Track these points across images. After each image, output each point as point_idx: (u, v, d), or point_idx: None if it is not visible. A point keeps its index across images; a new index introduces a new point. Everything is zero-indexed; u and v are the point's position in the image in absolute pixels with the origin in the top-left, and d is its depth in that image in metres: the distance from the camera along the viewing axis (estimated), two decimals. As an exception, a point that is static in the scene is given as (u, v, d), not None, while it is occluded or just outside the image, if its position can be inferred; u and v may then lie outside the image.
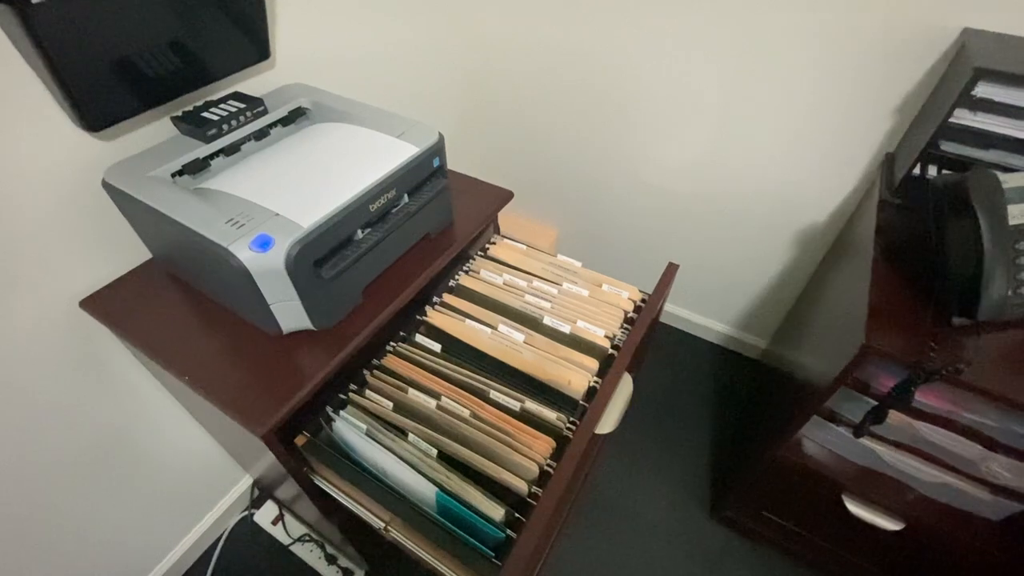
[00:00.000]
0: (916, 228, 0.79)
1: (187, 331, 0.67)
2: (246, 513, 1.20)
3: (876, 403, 0.75)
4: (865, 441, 0.85)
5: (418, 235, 0.77)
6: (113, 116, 0.67)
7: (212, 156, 0.71)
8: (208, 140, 0.70)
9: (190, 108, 0.74)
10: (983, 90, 0.74)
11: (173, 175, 0.67)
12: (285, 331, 0.65)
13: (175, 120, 0.73)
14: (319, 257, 0.60)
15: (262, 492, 1.23)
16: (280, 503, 1.20)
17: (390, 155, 0.68)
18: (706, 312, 1.58)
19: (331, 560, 1.12)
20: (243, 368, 0.63)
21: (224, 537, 1.17)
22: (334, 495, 0.70)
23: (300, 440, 0.67)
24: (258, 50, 0.80)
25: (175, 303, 0.71)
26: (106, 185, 0.65)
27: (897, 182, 0.89)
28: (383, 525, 0.66)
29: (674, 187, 1.31)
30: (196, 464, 1.07)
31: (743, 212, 1.26)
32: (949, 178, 0.70)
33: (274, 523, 1.18)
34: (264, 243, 0.56)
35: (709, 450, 1.35)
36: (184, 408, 0.97)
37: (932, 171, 0.86)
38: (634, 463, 1.32)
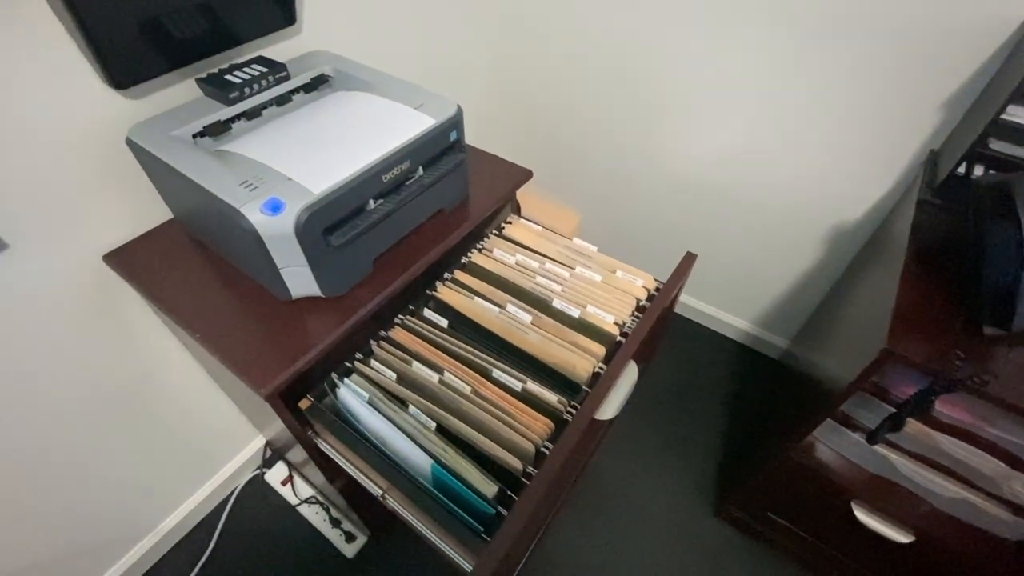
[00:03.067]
0: (955, 230, 0.74)
1: (202, 290, 0.69)
2: (258, 472, 1.24)
3: (894, 410, 0.72)
4: (880, 449, 0.82)
5: (432, 209, 0.77)
6: (139, 75, 0.68)
7: (233, 119, 0.72)
8: (230, 103, 0.71)
9: (215, 70, 0.75)
10: (1043, 86, 0.69)
11: (194, 136, 0.68)
12: (294, 296, 0.65)
13: (199, 82, 0.73)
14: (329, 224, 0.60)
15: (274, 453, 1.27)
16: (290, 465, 1.24)
17: (406, 126, 0.68)
18: (727, 307, 1.54)
19: (335, 523, 1.15)
20: (253, 329, 0.64)
21: (235, 493, 1.21)
22: (335, 459, 0.71)
23: (304, 403, 0.68)
24: (284, 15, 0.80)
25: (192, 262, 0.73)
26: (130, 143, 0.66)
27: (939, 181, 0.84)
28: (381, 492, 0.67)
29: (702, 177, 1.27)
30: (211, 420, 1.10)
31: (773, 206, 1.22)
32: (993, 179, 0.65)
33: (283, 484, 1.22)
34: (275, 207, 0.56)
35: (719, 447, 1.33)
36: (200, 364, 1.00)
37: (979, 171, 0.81)
38: (641, 453, 1.31)
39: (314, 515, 1.17)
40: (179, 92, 0.75)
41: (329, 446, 0.72)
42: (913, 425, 0.75)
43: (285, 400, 0.64)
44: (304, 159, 0.63)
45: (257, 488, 1.23)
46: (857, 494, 0.88)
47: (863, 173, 1.06)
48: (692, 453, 1.31)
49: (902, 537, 0.85)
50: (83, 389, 0.83)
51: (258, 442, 1.25)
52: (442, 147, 0.72)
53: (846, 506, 0.90)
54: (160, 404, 0.98)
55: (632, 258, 1.40)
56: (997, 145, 0.77)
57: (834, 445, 0.90)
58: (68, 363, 0.80)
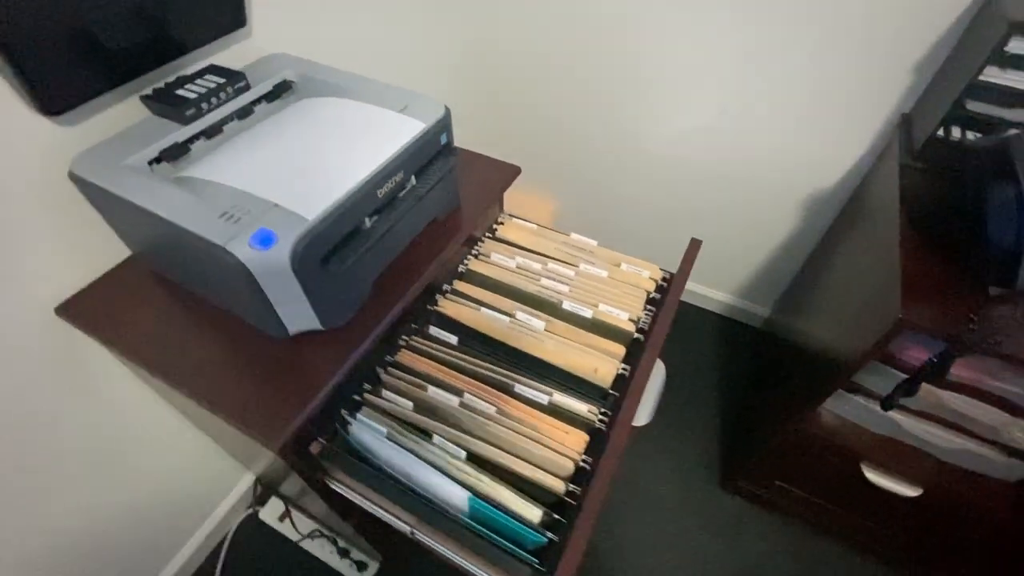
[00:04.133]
0: (944, 194, 0.76)
1: (181, 336, 0.61)
2: (251, 511, 1.16)
3: (907, 376, 0.74)
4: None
5: (426, 219, 0.71)
6: (75, 97, 0.59)
7: (192, 139, 0.64)
8: (186, 121, 0.62)
9: (161, 85, 0.66)
10: (1017, 46, 0.70)
11: (150, 163, 0.60)
12: (292, 333, 0.59)
13: (145, 100, 0.64)
14: (327, 251, 0.54)
15: (265, 489, 1.19)
16: (286, 499, 1.16)
17: (395, 133, 0.62)
18: (707, 281, 1.55)
19: (344, 554, 1.09)
20: (248, 375, 0.58)
21: (229, 536, 1.13)
22: (355, 500, 0.66)
23: (316, 448, 0.62)
24: (233, 17, 0.72)
25: (164, 305, 0.64)
26: (74, 177, 0.57)
27: (919, 145, 0.86)
28: (409, 529, 0.63)
29: (677, 154, 1.26)
30: (193, 465, 1.02)
31: (748, 178, 1.22)
32: (988, 141, 0.66)
33: (281, 519, 1.14)
34: (266, 239, 0.50)
35: (717, 421, 1.35)
36: (176, 409, 0.91)
37: (956, 132, 0.82)
38: (642, 438, 1.31)
39: (319, 548, 1.11)
40: (123, 113, 0.66)
41: (345, 487, 0.66)
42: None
43: (294, 447, 0.58)
44: (288, 180, 0.56)
45: (253, 528, 1.15)
46: (865, 455, 0.91)
47: (836, 140, 1.07)
48: (691, 430, 1.33)
49: (911, 491, 0.89)
50: (49, 447, 0.74)
51: (247, 480, 1.16)
52: (433, 152, 0.66)
53: (855, 468, 0.92)
54: (136, 455, 0.88)
55: (612, 240, 1.39)
56: (973, 106, 0.79)
57: (840, 411, 0.92)
58: (28, 424, 0.70)
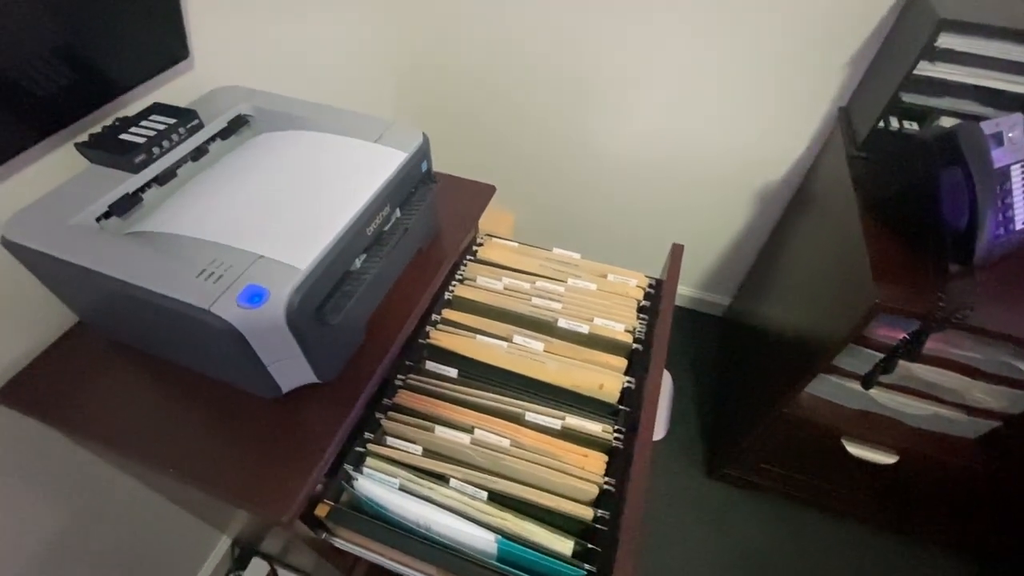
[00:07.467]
0: (895, 180, 0.81)
1: (153, 410, 0.54)
2: (230, 577, 1.07)
3: (883, 355, 0.78)
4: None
5: (413, 252, 0.68)
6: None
7: (142, 188, 0.57)
8: (136, 169, 0.56)
9: (97, 130, 0.59)
10: (945, 41, 0.76)
11: (98, 219, 0.53)
12: (285, 391, 0.54)
13: (82, 148, 0.57)
14: (321, 300, 0.50)
15: (243, 550, 1.10)
16: (268, 558, 1.08)
17: (375, 164, 0.58)
18: (669, 277, 1.60)
19: (341, 607, 1.02)
20: (240, 445, 0.52)
21: (209, 610, 1.03)
22: (368, 558, 0.61)
23: (322, 510, 0.57)
24: (175, 48, 0.66)
25: (127, 376, 0.57)
26: (8, 244, 0.49)
27: (863, 136, 0.92)
28: (431, 581, 0.60)
29: (631, 158, 1.29)
30: (161, 539, 0.92)
31: (702, 176, 1.27)
32: (935, 131, 0.72)
33: (266, 581, 1.06)
34: (255, 296, 0.45)
35: (695, 411, 1.39)
36: (137, 480, 0.82)
37: (893, 123, 0.89)
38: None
39: (313, 605, 1.04)
40: (59, 164, 0.58)
41: (356, 545, 0.61)
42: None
43: (302, 516, 0.54)
44: (266, 226, 0.51)
45: (234, 596, 1.06)
46: (845, 430, 0.96)
47: (781, 136, 1.13)
48: (675, 424, 1.36)
49: (889, 459, 0.95)
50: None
51: (223, 544, 1.07)
52: (415, 181, 0.63)
53: (836, 443, 0.97)
54: (98, 542, 0.79)
55: (577, 247, 1.40)
56: (909, 97, 0.85)
57: (819, 392, 0.96)
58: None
